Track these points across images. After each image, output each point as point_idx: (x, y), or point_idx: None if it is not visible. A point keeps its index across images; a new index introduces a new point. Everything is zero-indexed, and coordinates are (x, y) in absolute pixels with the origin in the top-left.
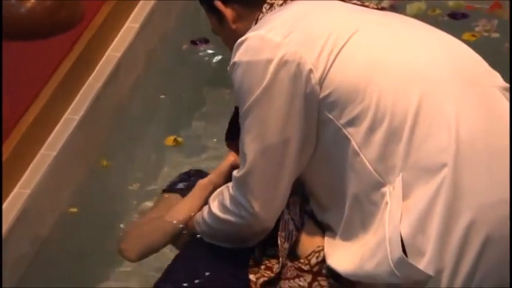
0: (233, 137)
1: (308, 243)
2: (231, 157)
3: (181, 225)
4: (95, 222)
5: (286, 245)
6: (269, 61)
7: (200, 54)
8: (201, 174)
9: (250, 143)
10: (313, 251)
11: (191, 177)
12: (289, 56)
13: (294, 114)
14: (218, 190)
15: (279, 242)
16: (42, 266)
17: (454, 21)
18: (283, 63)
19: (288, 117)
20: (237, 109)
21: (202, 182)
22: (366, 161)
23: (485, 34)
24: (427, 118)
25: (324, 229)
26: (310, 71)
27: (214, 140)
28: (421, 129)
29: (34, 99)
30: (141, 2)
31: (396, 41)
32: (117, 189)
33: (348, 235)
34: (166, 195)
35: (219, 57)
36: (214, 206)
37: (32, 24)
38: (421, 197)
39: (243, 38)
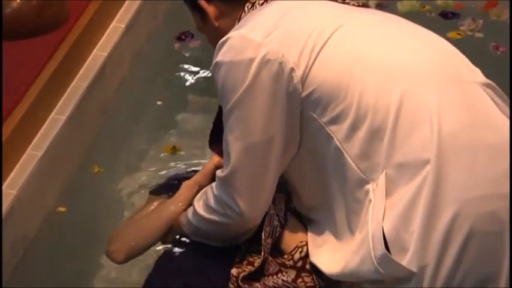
0: (217, 138)
1: (291, 239)
2: (216, 158)
3: (166, 225)
4: (82, 222)
5: (269, 240)
6: (251, 60)
7: (187, 53)
8: (189, 175)
9: (233, 142)
10: (296, 246)
11: (179, 180)
12: (271, 55)
13: (276, 113)
14: (202, 191)
15: (262, 236)
16: (30, 267)
17: (442, 20)
18: (265, 62)
19: (270, 116)
20: (220, 109)
21: (187, 183)
22: (349, 158)
23: (469, 33)
24: (409, 114)
25: (307, 225)
26: (292, 69)
27: (199, 140)
28: (403, 126)
29: (20, 99)
30: (127, 2)
31: (378, 37)
32: (104, 188)
33: (333, 233)
34: (152, 197)
35: (205, 57)
36: (199, 206)
37: (18, 24)
38: (404, 194)
39: (224, 37)
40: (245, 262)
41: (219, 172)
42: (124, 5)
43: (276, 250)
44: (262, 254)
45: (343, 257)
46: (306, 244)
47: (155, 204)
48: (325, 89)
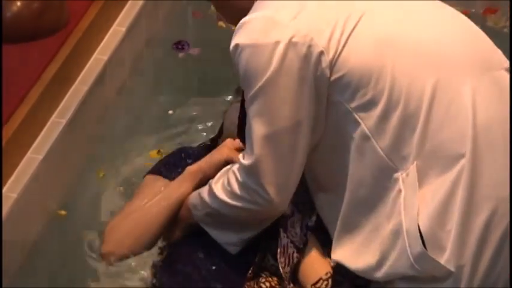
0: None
1: (314, 267)
2: (225, 150)
3: (168, 218)
4: (83, 226)
5: (287, 269)
6: (277, 43)
7: (186, 58)
8: (189, 159)
9: (259, 129)
10: (320, 279)
11: (177, 162)
12: (298, 38)
13: (303, 97)
14: (220, 173)
15: (280, 267)
16: (30, 270)
17: None
18: (292, 45)
19: (297, 101)
20: (243, 101)
21: (191, 169)
22: (377, 146)
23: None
24: (443, 104)
25: (327, 226)
26: (321, 53)
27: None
28: (437, 116)
29: (20, 103)
30: (127, 6)
31: (407, 20)
32: (105, 192)
33: (353, 221)
34: (150, 179)
35: (205, 61)
36: (218, 189)
37: (18, 27)
38: (438, 189)
39: (246, 18)
40: (262, 280)
41: (243, 160)
42: (124, 8)
43: (296, 275)
44: (286, 284)
45: (374, 252)
46: (331, 276)
47: (152, 187)
48: (355, 74)
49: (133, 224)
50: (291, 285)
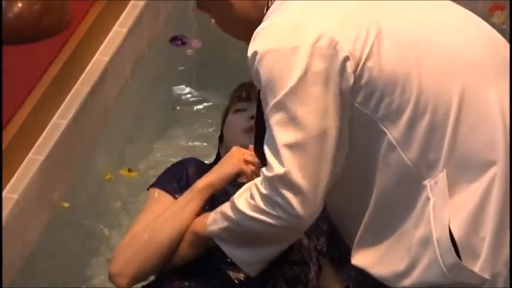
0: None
1: None
2: (235, 161)
3: (177, 239)
4: (84, 227)
5: None
6: (302, 48)
7: (189, 58)
8: (196, 173)
9: (283, 138)
10: None
11: (183, 175)
12: (324, 42)
13: (329, 104)
14: (243, 188)
15: None
16: (31, 272)
17: None
18: (318, 50)
19: (324, 107)
20: (260, 110)
21: (200, 185)
22: (403, 155)
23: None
24: (472, 110)
25: (343, 232)
26: (347, 58)
27: (204, 143)
28: (466, 122)
29: (22, 104)
30: (128, 6)
31: (429, 25)
32: (106, 192)
33: (376, 228)
34: (156, 193)
35: (207, 61)
36: (241, 203)
37: (19, 29)
38: (471, 195)
39: (267, 23)
40: None
41: (266, 172)
42: (126, 9)
43: None
44: None
45: (401, 258)
46: None
47: (160, 205)
48: (381, 81)
49: (140, 246)
50: None
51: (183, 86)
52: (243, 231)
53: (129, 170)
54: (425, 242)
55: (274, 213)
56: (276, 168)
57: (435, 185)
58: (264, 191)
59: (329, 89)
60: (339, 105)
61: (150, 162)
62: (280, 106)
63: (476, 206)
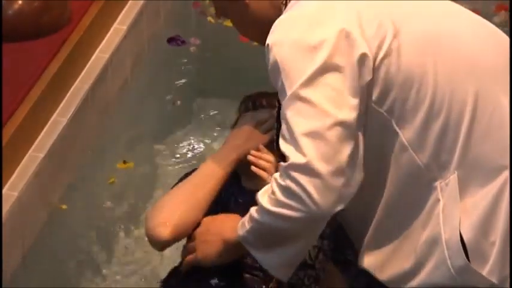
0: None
1: None
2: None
3: (216, 187)
4: (83, 224)
5: None
6: (322, 41)
7: (189, 55)
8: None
9: (301, 127)
10: None
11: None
12: (342, 37)
13: (346, 95)
14: (266, 187)
15: None
16: (30, 269)
17: None
18: (336, 44)
19: (341, 97)
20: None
21: (232, 157)
22: (415, 156)
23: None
24: (486, 114)
25: (351, 234)
26: (364, 55)
27: (204, 139)
28: (480, 126)
29: (22, 101)
30: (128, 4)
31: (449, 27)
32: (106, 190)
33: (385, 228)
34: None
35: (206, 57)
36: (263, 200)
37: (19, 26)
38: (481, 199)
39: (285, 16)
40: None
41: (287, 164)
42: (126, 7)
43: None
44: None
45: (407, 258)
46: None
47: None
48: (398, 80)
49: (184, 197)
50: None
51: (183, 83)
52: (267, 230)
53: (124, 162)
54: (434, 242)
55: (294, 204)
56: (295, 157)
57: (446, 186)
58: (282, 182)
59: (346, 82)
60: (356, 99)
61: (150, 158)
62: (297, 96)
63: (487, 210)
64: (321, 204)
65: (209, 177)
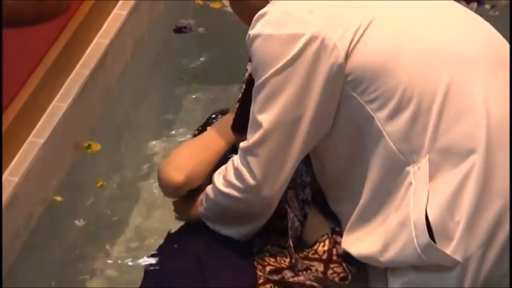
0: (240, 128)
1: (312, 232)
2: None
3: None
4: (82, 211)
5: (293, 241)
6: (293, 36)
7: (190, 41)
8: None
9: (261, 116)
10: (317, 241)
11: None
12: (313, 32)
13: (311, 92)
14: (223, 166)
15: (290, 243)
16: (31, 253)
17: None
18: (308, 40)
19: (304, 94)
20: (246, 93)
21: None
22: (388, 139)
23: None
24: (456, 101)
25: (334, 213)
26: (335, 47)
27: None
28: (450, 112)
29: (21, 87)
30: None
31: (420, 19)
32: (106, 176)
33: (366, 214)
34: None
35: (208, 43)
36: (218, 180)
37: (19, 12)
38: (448, 181)
39: (264, 10)
40: (267, 254)
41: (242, 143)
42: None
43: (299, 243)
44: (291, 256)
45: (381, 238)
46: (328, 237)
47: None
48: (370, 69)
49: (198, 149)
50: (295, 255)
51: (183, 68)
52: (221, 209)
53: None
54: (403, 224)
55: (239, 185)
56: (250, 140)
57: (418, 170)
58: (236, 164)
59: (314, 77)
60: (323, 93)
61: (150, 145)
62: (263, 87)
63: (454, 191)
64: (263, 188)
65: (219, 136)
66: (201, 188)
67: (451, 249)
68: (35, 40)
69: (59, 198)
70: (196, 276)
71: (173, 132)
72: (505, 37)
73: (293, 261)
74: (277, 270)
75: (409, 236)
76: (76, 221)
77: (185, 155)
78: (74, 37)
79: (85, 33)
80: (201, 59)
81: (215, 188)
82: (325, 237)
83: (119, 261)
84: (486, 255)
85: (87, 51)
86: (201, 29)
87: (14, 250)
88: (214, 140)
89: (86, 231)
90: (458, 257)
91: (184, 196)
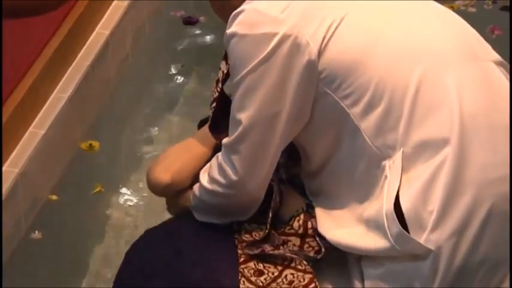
0: (218, 128)
1: (287, 208)
2: None
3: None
4: (82, 202)
5: (270, 214)
6: (266, 35)
7: (190, 32)
8: None
9: (239, 113)
10: (292, 216)
11: None
12: (287, 30)
13: (286, 89)
14: (208, 164)
15: (270, 214)
16: (32, 247)
17: None
18: (280, 38)
19: (280, 91)
20: (221, 96)
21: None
22: (364, 135)
23: (463, 8)
24: (428, 95)
25: (314, 196)
26: (307, 44)
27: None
28: (422, 105)
29: (22, 78)
30: None
31: (393, 17)
32: (105, 168)
33: (344, 204)
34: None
35: (210, 35)
36: (203, 177)
37: (20, 2)
38: (422, 172)
39: (238, 10)
40: (243, 231)
41: (225, 140)
42: None
43: (276, 220)
44: (268, 227)
45: (355, 229)
46: (302, 211)
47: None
48: (342, 65)
49: (184, 150)
50: (272, 231)
51: (184, 58)
52: (208, 205)
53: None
54: (376, 215)
55: (223, 181)
56: (230, 137)
57: (393, 164)
58: (219, 160)
59: (289, 75)
60: (298, 89)
61: (150, 136)
62: (240, 84)
63: (427, 182)
64: (245, 183)
65: (206, 137)
66: (191, 186)
67: (424, 238)
68: (36, 31)
69: (54, 197)
70: (175, 262)
71: (172, 121)
72: (505, 35)
73: (266, 231)
74: (254, 244)
75: (382, 226)
76: (75, 214)
77: (172, 157)
78: (75, 28)
79: (86, 24)
80: (202, 49)
81: (201, 186)
82: (300, 212)
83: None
84: (459, 243)
85: (88, 42)
86: (202, 19)
87: (15, 240)
88: (201, 141)
89: (85, 227)
90: (431, 246)
91: (174, 196)
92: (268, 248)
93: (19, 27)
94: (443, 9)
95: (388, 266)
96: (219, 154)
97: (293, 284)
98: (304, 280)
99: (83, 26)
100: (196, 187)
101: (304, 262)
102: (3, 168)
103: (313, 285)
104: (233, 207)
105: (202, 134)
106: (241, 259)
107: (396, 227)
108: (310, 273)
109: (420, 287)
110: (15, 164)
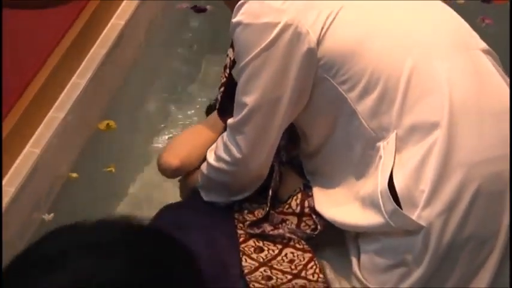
0: (225, 111)
1: (286, 188)
2: None
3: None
4: (99, 186)
5: (270, 193)
6: (268, 24)
7: (199, 21)
8: None
9: (243, 97)
10: (290, 196)
11: None
12: (288, 20)
13: (287, 76)
14: (215, 143)
15: (270, 193)
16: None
17: None
18: (282, 28)
19: (282, 77)
20: (229, 80)
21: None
22: (360, 117)
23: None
24: (420, 81)
25: (312, 175)
26: (307, 33)
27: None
28: (414, 91)
29: (43, 65)
30: None
31: (387, 8)
32: (121, 152)
33: (340, 183)
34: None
35: (219, 26)
36: (210, 156)
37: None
38: (414, 153)
39: (242, 1)
40: (245, 211)
41: (230, 120)
42: None
43: (275, 200)
44: (268, 206)
45: (352, 207)
46: (300, 191)
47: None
48: (339, 53)
49: (192, 136)
50: (271, 211)
51: (195, 49)
52: (214, 183)
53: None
54: (372, 193)
55: (228, 159)
56: (236, 118)
57: (387, 145)
58: (225, 139)
59: (290, 62)
60: (298, 75)
61: (165, 122)
62: (244, 69)
63: (418, 163)
64: (249, 161)
65: (213, 122)
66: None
67: (416, 215)
68: (56, 21)
69: (74, 175)
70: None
71: (186, 107)
72: (505, 35)
73: (267, 209)
74: (256, 223)
75: (377, 203)
76: (91, 195)
77: (181, 142)
78: (92, 18)
79: (102, 14)
80: (214, 37)
81: (208, 164)
82: (297, 191)
83: None
84: (448, 221)
85: (104, 32)
86: (212, 8)
87: (34, 222)
88: (208, 126)
89: (102, 205)
90: (422, 222)
91: (184, 177)
92: (268, 228)
93: (40, 18)
94: (434, 2)
95: (383, 241)
96: (224, 134)
97: (294, 263)
98: (304, 259)
99: (100, 17)
100: (203, 166)
101: (302, 242)
102: (26, 149)
103: (312, 263)
104: (238, 184)
105: (211, 120)
106: (241, 238)
107: (391, 204)
108: (309, 251)
109: (413, 260)
110: (36, 144)
